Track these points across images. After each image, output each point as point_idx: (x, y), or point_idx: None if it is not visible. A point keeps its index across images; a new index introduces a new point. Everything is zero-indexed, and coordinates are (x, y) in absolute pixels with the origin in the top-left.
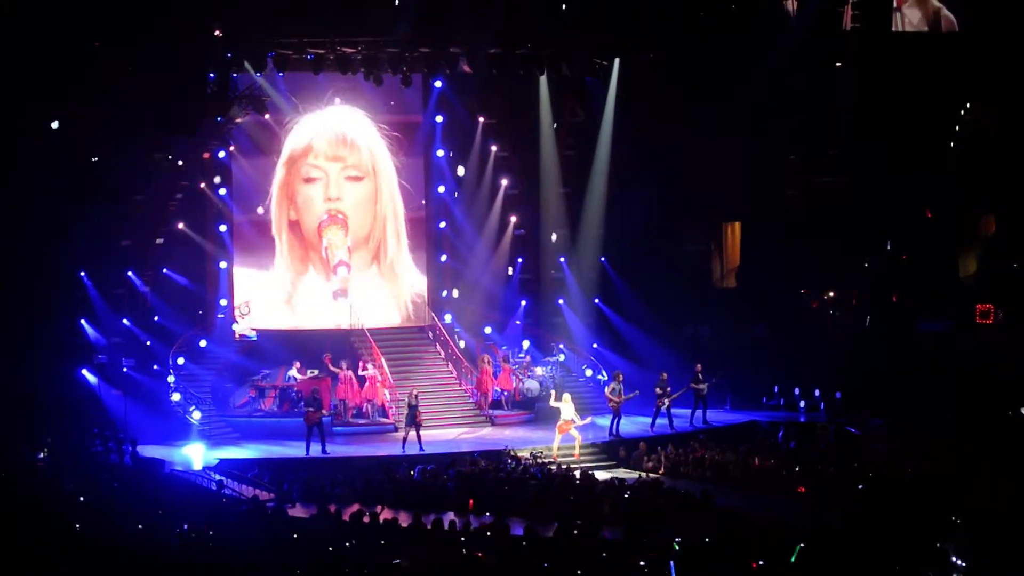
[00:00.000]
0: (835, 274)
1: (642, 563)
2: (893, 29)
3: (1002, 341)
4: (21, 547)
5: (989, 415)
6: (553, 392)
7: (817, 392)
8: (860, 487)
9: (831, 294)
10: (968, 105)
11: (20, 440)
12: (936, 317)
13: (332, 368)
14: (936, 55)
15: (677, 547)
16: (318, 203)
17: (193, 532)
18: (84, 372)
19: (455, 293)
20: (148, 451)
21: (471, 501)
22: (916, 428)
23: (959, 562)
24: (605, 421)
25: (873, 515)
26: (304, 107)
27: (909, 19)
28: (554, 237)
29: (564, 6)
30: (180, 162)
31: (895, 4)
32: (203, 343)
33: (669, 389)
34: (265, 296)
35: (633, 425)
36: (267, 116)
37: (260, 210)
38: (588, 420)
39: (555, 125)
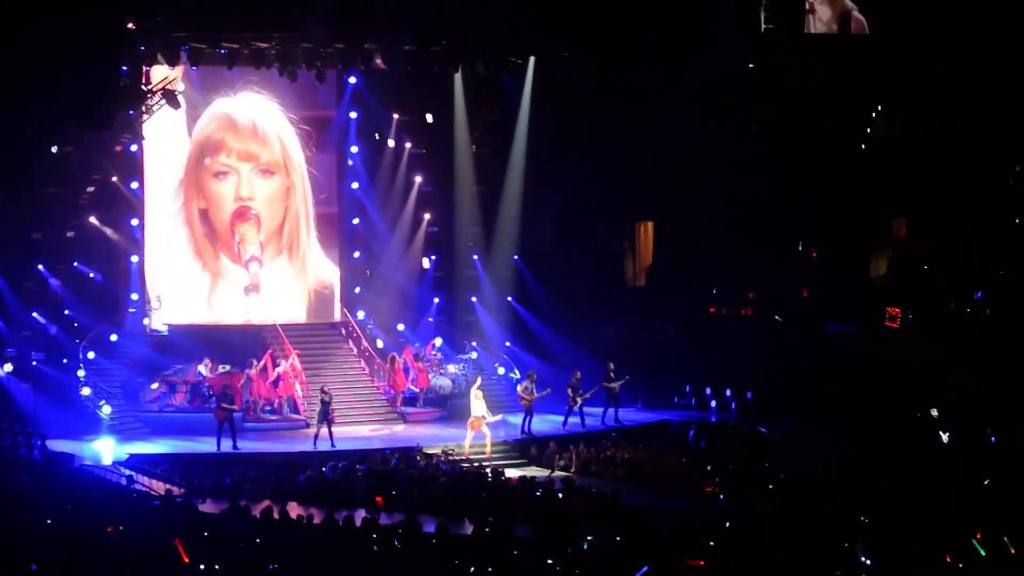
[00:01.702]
0: (746, 275)
1: (551, 561)
2: (806, 31)
3: (909, 344)
4: None
5: (896, 417)
6: (478, 379)
7: (728, 392)
8: (770, 487)
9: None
10: (879, 108)
11: None
12: (845, 319)
13: (271, 365)
14: (848, 57)
15: (586, 546)
16: (228, 200)
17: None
18: None
19: (363, 290)
20: (57, 445)
21: (379, 499)
22: (825, 429)
23: (867, 562)
24: (517, 419)
25: (782, 515)
26: (213, 95)
27: (820, 17)
28: (467, 235)
29: (479, 4)
30: (92, 155)
31: (808, 6)
32: (114, 337)
33: (581, 388)
34: (177, 291)
35: (545, 423)
36: (180, 109)
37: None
38: (499, 417)
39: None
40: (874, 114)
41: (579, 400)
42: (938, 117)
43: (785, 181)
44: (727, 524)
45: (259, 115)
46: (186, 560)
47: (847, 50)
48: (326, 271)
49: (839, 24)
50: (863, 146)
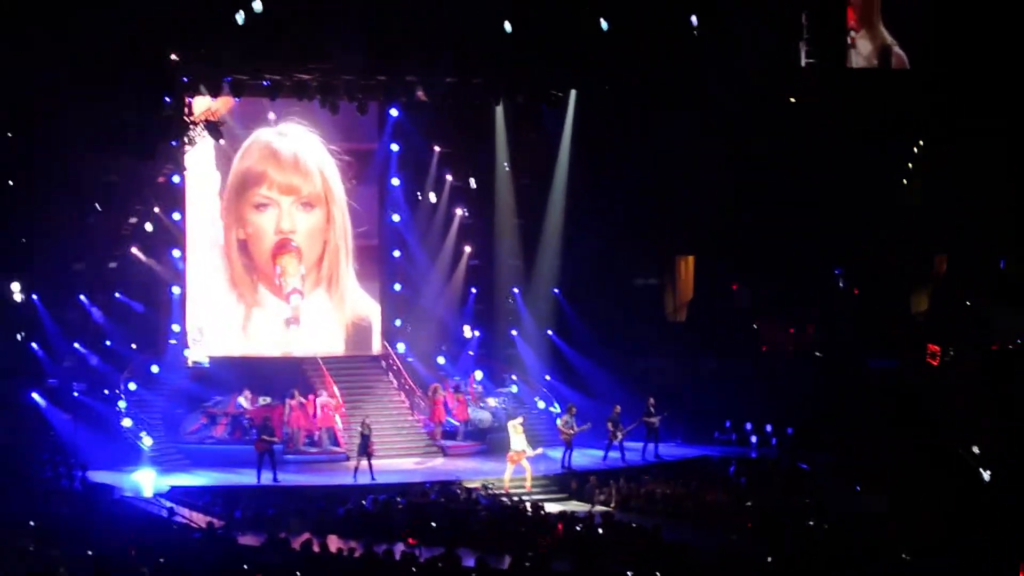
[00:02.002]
0: (787, 310)
1: None
2: (847, 65)
3: (950, 380)
4: None
5: (937, 453)
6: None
7: (768, 427)
8: (811, 523)
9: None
10: (921, 143)
11: None
12: (886, 354)
13: (299, 398)
14: (889, 92)
15: None
16: (269, 232)
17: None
18: (34, 395)
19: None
20: (98, 477)
21: (410, 539)
22: (866, 465)
23: None
24: (557, 453)
25: (824, 551)
26: (254, 125)
27: (860, 51)
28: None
29: (521, 37)
30: (134, 185)
31: (849, 40)
32: (155, 368)
33: (621, 423)
34: (217, 323)
35: (585, 458)
36: (222, 141)
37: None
38: (539, 451)
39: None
40: (915, 149)
41: (619, 435)
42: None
43: (826, 216)
44: (768, 560)
45: (301, 147)
46: None
47: (888, 84)
48: (364, 304)
49: (879, 59)
50: (904, 180)
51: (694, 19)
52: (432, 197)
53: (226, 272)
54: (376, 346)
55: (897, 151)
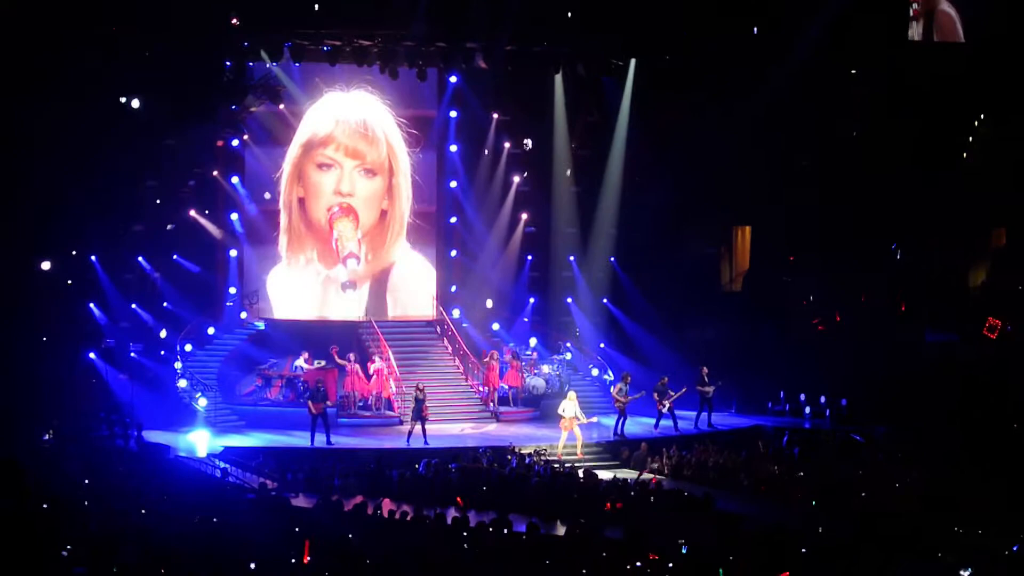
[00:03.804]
0: (844, 281)
1: (639, 564)
2: (909, 38)
3: (1008, 354)
4: (26, 528)
5: (993, 428)
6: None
7: (823, 399)
8: (863, 494)
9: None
10: (982, 116)
11: (26, 421)
12: (944, 328)
13: (339, 360)
14: (950, 65)
15: (684, 550)
16: (328, 192)
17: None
18: (91, 356)
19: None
20: (153, 436)
21: (459, 499)
22: (920, 438)
23: (963, 573)
24: (610, 421)
25: (876, 523)
26: (326, 88)
27: (920, 28)
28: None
29: (581, 5)
30: (193, 149)
31: (912, 13)
32: (211, 330)
33: (670, 392)
34: (274, 285)
35: (638, 426)
36: (281, 106)
37: (267, 195)
38: (594, 419)
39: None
40: (975, 123)
41: (666, 404)
42: None
43: (884, 187)
44: (819, 531)
45: (371, 115)
46: (306, 561)
47: (949, 57)
48: (420, 269)
49: (940, 33)
50: (965, 155)
51: None
52: (488, 165)
53: (284, 234)
54: (431, 311)
55: (956, 123)
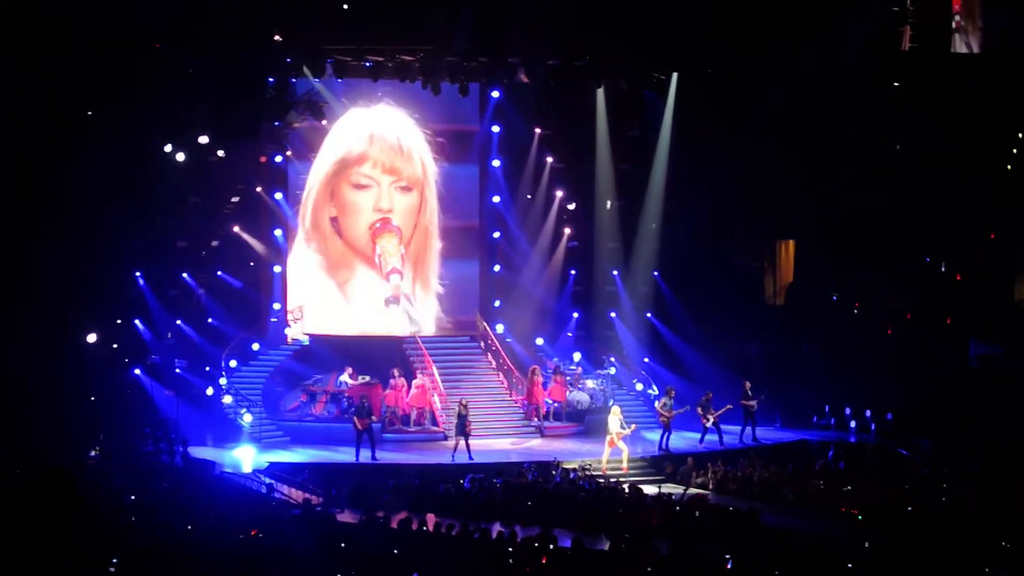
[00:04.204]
0: (888, 294)
1: None
2: (952, 50)
3: None
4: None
5: None
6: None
7: (868, 412)
8: (909, 509)
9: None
10: None
11: (71, 436)
12: (988, 340)
13: (393, 380)
14: (994, 76)
15: (729, 564)
16: (367, 210)
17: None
18: (137, 372)
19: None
20: (198, 452)
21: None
22: (966, 451)
23: None
24: (654, 435)
25: (921, 538)
26: (352, 103)
27: (964, 39)
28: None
29: (623, 19)
30: (237, 165)
31: (955, 25)
32: (255, 346)
33: (712, 407)
34: (317, 301)
35: (683, 440)
36: (324, 122)
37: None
38: (633, 427)
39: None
40: (1021, 133)
41: (710, 418)
42: None
43: (928, 200)
44: (865, 545)
45: (403, 132)
46: None
47: (993, 68)
48: (461, 284)
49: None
50: (1008, 167)
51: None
52: (530, 180)
53: (327, 250)
54: (474, 326)
55: (999, 134)
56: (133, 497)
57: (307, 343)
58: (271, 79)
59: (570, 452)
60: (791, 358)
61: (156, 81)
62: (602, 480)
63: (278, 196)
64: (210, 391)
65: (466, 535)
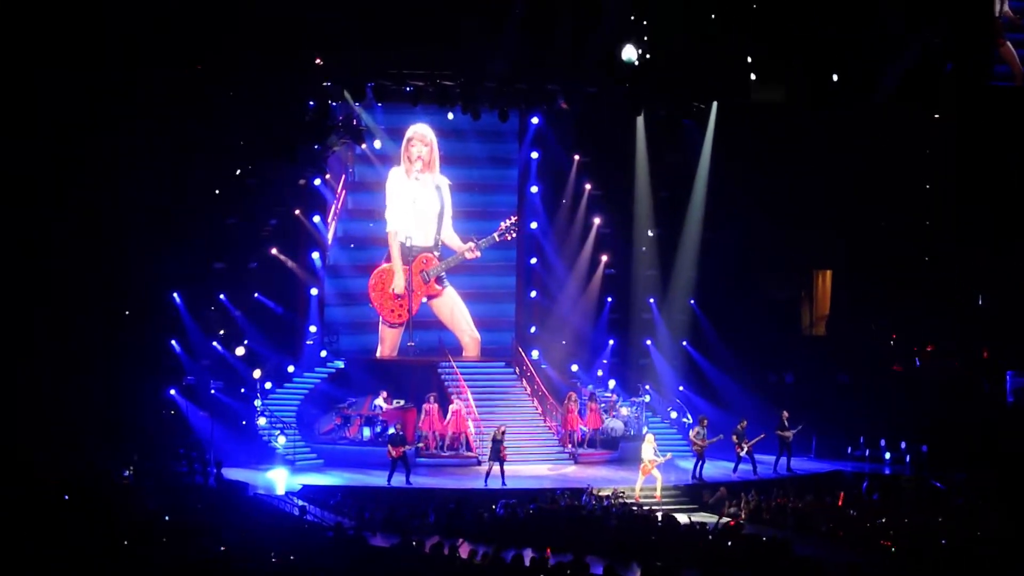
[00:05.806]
0: (926, 325)
1: None
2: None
3: None
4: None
5: None
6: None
7: (903, 444)
8: (943, 542)
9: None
10: None
11: (106, 457)
12: None
13: (427, 405)
14: None
15: None
16: None
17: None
18: (172, 392)
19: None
20: (232, 474)
21: (548, 549)
22: (1001, 484)
23: None
24: (688, 464)
25: (955, 571)
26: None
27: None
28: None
29: (664, 48)
30: (275, 188)
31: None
32: (291, 368)
33: (747, 436)
34: (353, 325)
35: (716, 469)
36: (363, 146)
37: (372, 224)
38: (668, 456)
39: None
40: None
41: (744, 447)
42: None
43: (965, 233)
44: None
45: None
46: None
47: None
48: (497, 310)
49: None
50: None
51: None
52: (568, 206)
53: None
54: (510, 352)
55: None
56: (167, 517)
57: (342, 366)
58: (311, 103)
59: (604, 479)
60: (827, 388)
61: (197, 102)
62: (635, 507)
63: (316, 219)
64: (244, 423)
65: (498, 561)
